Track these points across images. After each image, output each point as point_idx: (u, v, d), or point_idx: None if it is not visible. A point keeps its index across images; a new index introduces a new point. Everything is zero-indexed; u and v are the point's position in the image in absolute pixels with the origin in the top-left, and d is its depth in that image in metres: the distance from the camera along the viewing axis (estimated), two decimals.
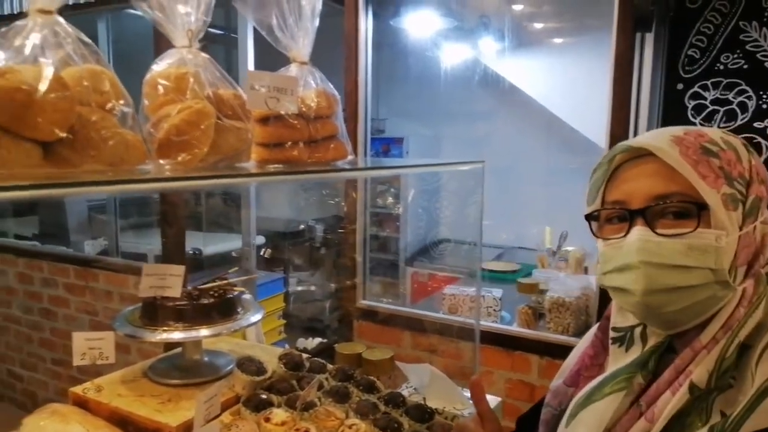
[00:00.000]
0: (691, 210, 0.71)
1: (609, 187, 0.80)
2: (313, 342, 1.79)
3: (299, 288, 4.13)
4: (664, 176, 0.73)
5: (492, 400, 1.62)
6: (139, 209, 4.12)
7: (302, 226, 4.47)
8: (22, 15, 0.78)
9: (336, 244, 4.42)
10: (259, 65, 2.79)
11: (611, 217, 0.79)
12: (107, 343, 1.46)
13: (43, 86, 0.68)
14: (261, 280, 2.95)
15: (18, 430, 1.35)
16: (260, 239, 3.51)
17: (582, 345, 0.93)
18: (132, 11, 3.29)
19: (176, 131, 0.80)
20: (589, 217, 0.82)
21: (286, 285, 3.65)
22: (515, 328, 2.29)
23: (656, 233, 0.72)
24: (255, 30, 2.72)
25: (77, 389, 1.47)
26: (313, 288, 4.21)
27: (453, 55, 3.96)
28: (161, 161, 0.80)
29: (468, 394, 1.59)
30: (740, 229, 0.72)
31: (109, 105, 0.74)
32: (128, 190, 0.76)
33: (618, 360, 0.79)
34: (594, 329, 0.90)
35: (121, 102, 0.77)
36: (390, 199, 4.10)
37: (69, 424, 1.27)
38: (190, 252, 3.19)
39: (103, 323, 3.33)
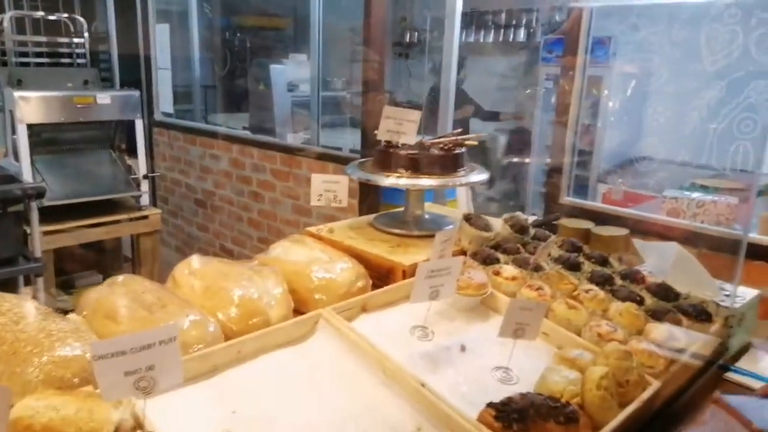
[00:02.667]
0: None
1: None
2: (530, 219, 1.70)
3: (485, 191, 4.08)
4: None
5: (748, 292, 1.41)
6: (333, 108, 4.30)
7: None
8: None
9: (519, 151, 4.30)
10: None
11: None
12: (342, 186, 1.51)
13: None
14: None
15: (266, 252, 1.47)
16: None
17: None
18: None
19: None
20: None
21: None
22: (756, 236, 1.98)
23: None
24: None
25: (311, 229, 1.56)
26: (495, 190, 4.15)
27: None
28: None
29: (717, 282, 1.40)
30: None
31: None
32: None
33: None
34: None
35: None
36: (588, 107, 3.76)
37: (312, 250, 1.35)
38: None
39: (304, 207, 3.60)
